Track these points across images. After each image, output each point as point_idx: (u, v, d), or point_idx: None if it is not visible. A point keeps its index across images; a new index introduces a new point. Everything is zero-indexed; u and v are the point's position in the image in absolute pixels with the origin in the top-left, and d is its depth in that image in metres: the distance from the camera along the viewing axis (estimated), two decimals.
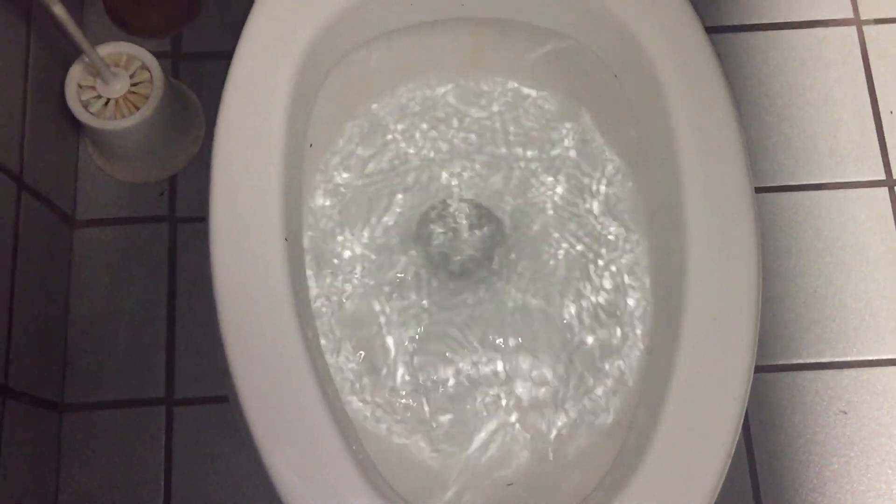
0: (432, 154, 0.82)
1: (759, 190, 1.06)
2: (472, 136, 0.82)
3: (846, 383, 1.00)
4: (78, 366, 0.98)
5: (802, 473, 0.98)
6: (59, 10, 0.81)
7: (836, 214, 1.05)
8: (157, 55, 0.97)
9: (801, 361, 1.01)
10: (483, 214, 0.83)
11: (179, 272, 1.01)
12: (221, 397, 0.97)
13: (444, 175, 0.82)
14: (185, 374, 0.98)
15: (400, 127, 0.80)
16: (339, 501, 0.59)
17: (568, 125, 0.81)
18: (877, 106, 1.09)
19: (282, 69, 0.67)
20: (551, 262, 0.80)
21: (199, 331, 0.99)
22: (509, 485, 0.71)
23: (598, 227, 0.80)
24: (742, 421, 0.66)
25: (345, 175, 0.80)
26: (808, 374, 1.00)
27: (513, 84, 0.81)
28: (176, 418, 0.96)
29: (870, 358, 1.01)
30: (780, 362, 1.01)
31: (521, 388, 0.76)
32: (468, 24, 0.78)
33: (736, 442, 0.65)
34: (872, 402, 0.99)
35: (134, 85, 0.96)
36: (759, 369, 1.00)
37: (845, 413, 0.99)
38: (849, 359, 1.01)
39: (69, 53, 0.97)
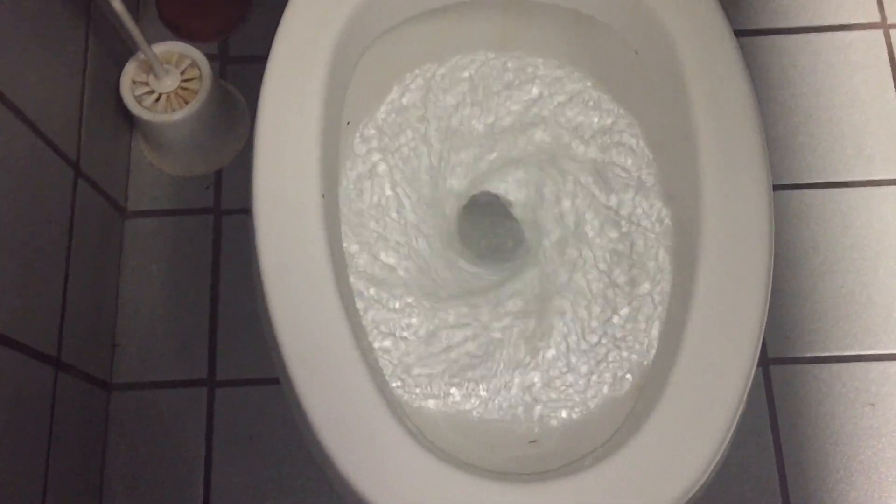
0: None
1: (787, 187, 1.08)
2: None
3: (873, 376, 1.01)
4: (126, 348, 1.02)
5: (830, 465, 0.98)
6: (118, 5, 0.86)
7: (864, 211, 1.07)
8: (207, 58, 1.03)
9: (828, 354, 1.02)
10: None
11: (223, 261, 1.06)
12: (261, 379, 1.01)
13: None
14: (227, 358, 1.02)
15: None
16: (370, 439, 0.62)
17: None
18: None
19: (320, 48, 0.72)
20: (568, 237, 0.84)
21: (240, 316, 1.03)
22: (532, 441, 0.74)
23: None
24: (747, 387, 0.67)
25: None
26: (836, 367, 1.01)
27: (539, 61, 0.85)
28: (217, 399, 1.00)
29: None
30: (808, 355, 1.02)
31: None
32: (497, 5, 0.82)
33: (736, 420, 0.67)
34: None
35: (184, 81, 1.01)
36: (788, 361, 1.02)
37: (873, 405, 1.00)
38: (876, 352, 1.02)
39: (124, 52, 1.04)
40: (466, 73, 0.86)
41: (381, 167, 0.84)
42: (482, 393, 0.76)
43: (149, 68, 1.00)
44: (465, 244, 0.89)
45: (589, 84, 0.86)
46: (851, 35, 1.14)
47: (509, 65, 0.86)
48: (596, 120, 0.85)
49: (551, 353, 0.78)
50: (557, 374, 0.77)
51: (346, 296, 0.67)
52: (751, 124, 0.73)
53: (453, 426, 0.75)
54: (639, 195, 0.84)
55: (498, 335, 0.79)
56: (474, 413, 0.76)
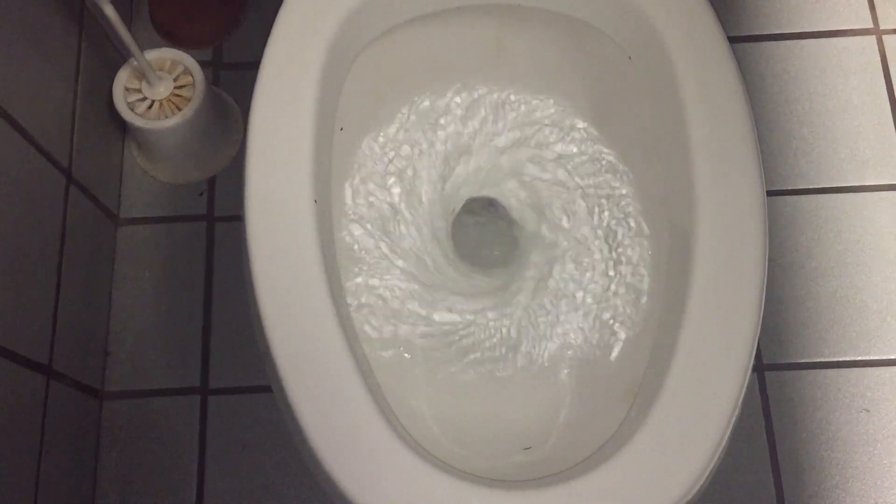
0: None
1: (780, 193, 1.08)
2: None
3: (868, 382, 1.01)
4: (118, 355, 1.02)
5: (825, 470, 0.98)
6: (110, 11, 0.86)
7: (857, 217, 1.07)
8: (200, 64, 1.03)
9: (823, 360, 1.02)
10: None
11: (216, 268, 1.05)
12: (254, 387, 1.00)
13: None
14: (220, 365, 1.01)
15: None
16: (363, 446, 0.62)
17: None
18: None
19: (312, 52, 0.72)
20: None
21: (233, 324, 1.03)
22: (526, 448, 0.73)
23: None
24: (742, 393, 0.67)
25: None
26: (831, 373, 1.01)
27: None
28: (210, 407, 1.00)
29: (892, 357, 1.02)
30: (803, 360, 1.02)
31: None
32: (491, 11, 0.82)
33: (731, 426, 0.67)
34: (895, 400, 1.00)
35: (177, 88, 1.01)
36: (782, 367, 1.01)
37: (868, 411, 1.00)
38: (871, 358, 1.02)
39: (116, 59, 1.03)
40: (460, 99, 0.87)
41: (376, 176, 0.84)
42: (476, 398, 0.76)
43: (141, 75, 1.00)
44: (460, 247, 0.89)
45: (573, 104, 0.87)
46: (844, 41, 1.14)
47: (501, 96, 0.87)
48: (585, 126, 0.86)
49: (542, 356, 0.79)
50: (550, 378, 0.77)
51: (339, 301, 0.67)
52: (744, 130, 0.73)
53: (447, 433, 0.75)
54: (632, 202, 0.84)
55: (488, 339, 0.79)
56: (468, 418, 0.75)
